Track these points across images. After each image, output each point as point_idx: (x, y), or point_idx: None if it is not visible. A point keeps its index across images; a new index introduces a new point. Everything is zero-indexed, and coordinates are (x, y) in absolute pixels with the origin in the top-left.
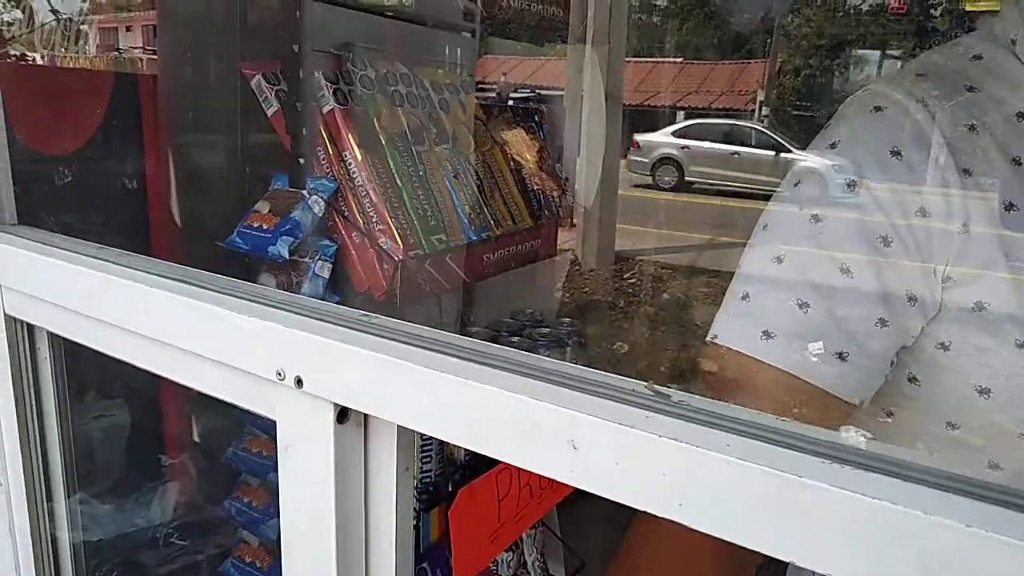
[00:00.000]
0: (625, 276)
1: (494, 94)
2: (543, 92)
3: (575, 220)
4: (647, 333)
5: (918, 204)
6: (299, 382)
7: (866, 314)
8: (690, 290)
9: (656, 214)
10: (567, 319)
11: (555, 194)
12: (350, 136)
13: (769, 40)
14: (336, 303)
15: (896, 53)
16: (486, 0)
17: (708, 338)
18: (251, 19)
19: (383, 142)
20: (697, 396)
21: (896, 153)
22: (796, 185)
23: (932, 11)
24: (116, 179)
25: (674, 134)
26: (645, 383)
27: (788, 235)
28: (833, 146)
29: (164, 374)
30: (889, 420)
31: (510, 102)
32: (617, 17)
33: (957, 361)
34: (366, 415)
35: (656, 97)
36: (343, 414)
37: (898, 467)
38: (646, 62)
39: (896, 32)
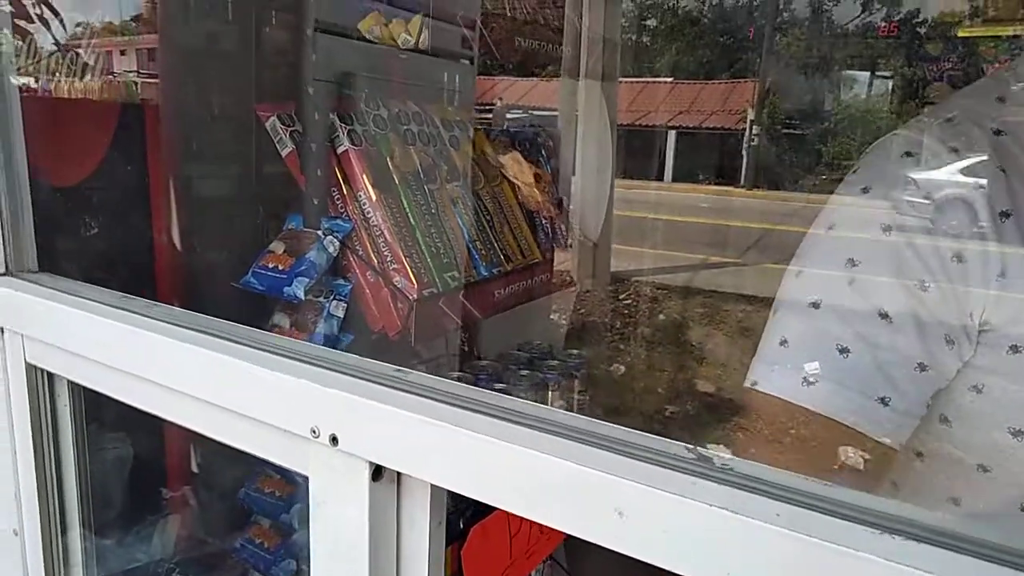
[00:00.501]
0: (621, 297)
1: (490, 115)
2: (536, 112)
3: (571, 241)
4: (644, 354)
5: (954, 250)
6: (334, 440)
7: (906, 359)
8: (687, 310)
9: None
10: (575, 351)
11: (554, 219)
12: (364, 176)
13: (759, 60)
14: (350, 342)
15: (887, 74)
16: (489, 31)
17: (747, 384)
18: (265, 53)
19: (396, 181)
20: (739, 459)
21: (930, 199)
22: (830, 228)
23: (923, 34)
24: (123, 217)
25: None
26: (687, 446)
27: (824, 280)
28: (865, 190)
29: (193, 427)
30: (919, 461)
31: (506, 125)
32: (611, 49)
33: (991, 404)
34: (400, 472)
35: (647, 117)
36: (378, 472)
37: (950, 538)
38: (636, 82)
39: (885, 54)
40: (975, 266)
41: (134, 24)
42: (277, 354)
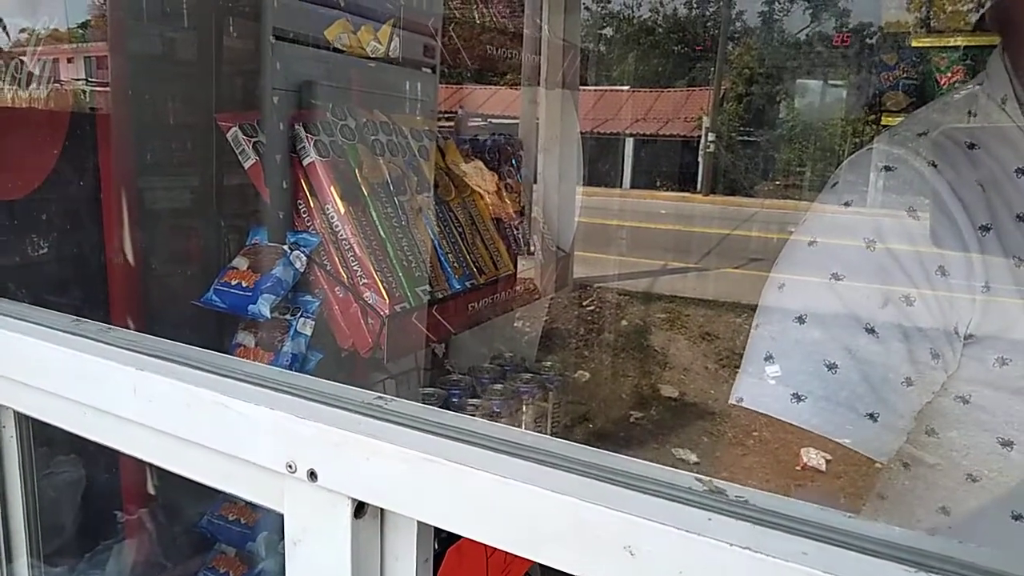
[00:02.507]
0: (584, 304)
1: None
2: (496, 120)
3: (533, 249)
4: (608, 360)
5: (937, 263)
6: (312, 475)
7: (893, 374)
8: (648, 315)
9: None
10: (548, 363)
11: (516, 227)
12: (332, 188)
13: (713, 68)
14: (319, 361)
15: (839, 83)
16: (451, 39)
17: (732, 401)
18: (225, 62)
19: (365, 193)
20: (754, 490)
21: (912, 212)
22: (812, 241)
23: (875, 44)
24: (74, 234)
25: None
26: (698, 477)
27: (809, 293)
28: (847, 204)
29: (155, 462)
30: (906, 472)
31: (473, 134)
32: (572, 57)
33: (979, 413)
34: (383, 509)
35: (605, 124)
36: (360, 508)
37: (982, 573)
38: (595, 91)
39: (838, 63)
40: (959, 279)
41: (82, 31)
42: (249, 382)
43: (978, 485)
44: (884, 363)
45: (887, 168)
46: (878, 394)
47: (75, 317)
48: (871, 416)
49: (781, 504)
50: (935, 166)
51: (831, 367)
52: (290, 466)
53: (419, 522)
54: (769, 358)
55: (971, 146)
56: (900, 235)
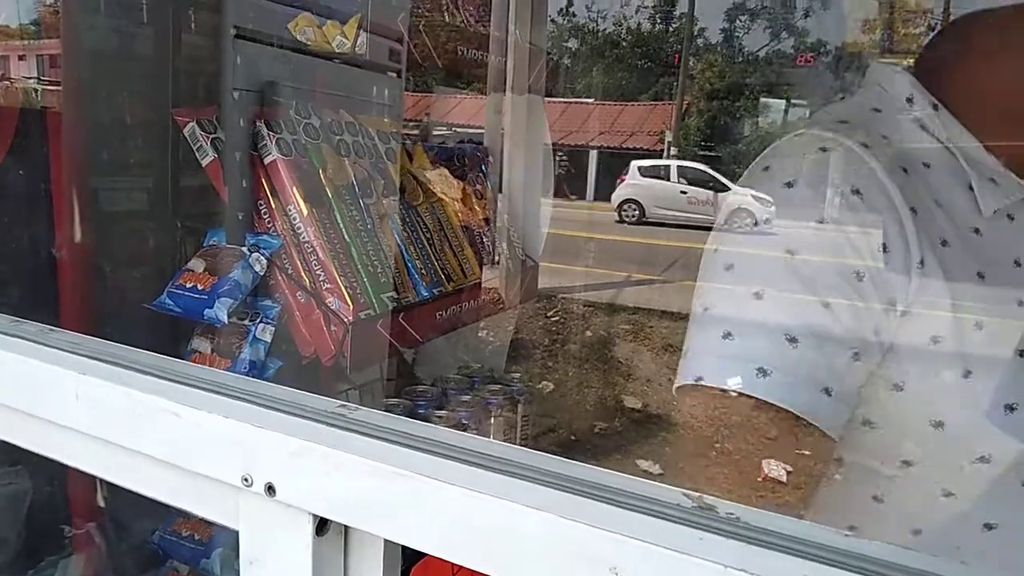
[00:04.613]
0: (549, 314)
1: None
2: (460, 129)
3: (497, 258)
4: (572, 371)
5: (879, 241)
6: (270, 489)
7: (845, 349)
8: (612, 327)
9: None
10: (517, 374)
11: (482, 235)
12: (295, 189)
13: (675, 83)
14: (278, 368)
15: (803, 102)
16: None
17: (689, 381)
18: (183, 59)
19: (330, 195)
20: (745, 507)
21: (856, 192)
22: (757, 224)
23: (838, 64)
24: (18, 231)
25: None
26: (686, 492)
27: (763, 272)
28: (789, 184)
29: (99, 474)
30: (839, 468)
31: (446, 143)
32: (538, 66)
33: (913, 399)
34: (347, 526)
35: (569, 136)
36: (322, 525)
37: None
38: (559, 102)
39: (802, 82)
40: (898, 255)
41: (34, 28)
42: (201, 388)
43: (908, 470)
44: (838, 337)
45: (823, 149)
46: (832, 368)
47: (14, 318)
48: (826, 391)
49: (773, 521)
50: (866, 147)
51: (792, 341)
52: (246, 479)
53: (386, 540)
54: (728, 335)
55: (884, 136)
56: (847, 214)
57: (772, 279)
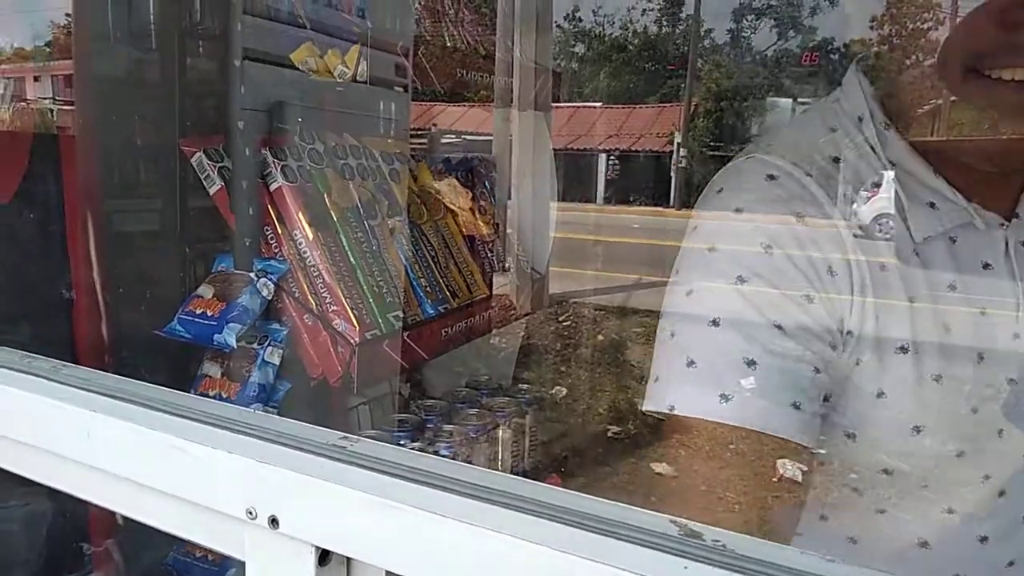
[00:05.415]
0: (561, 319)
1: (424, 141)
2: (469, 138)
3: (508, 265)
4: (585, 375)
5: (827, 265)
6: (274, 522)
7: (804, 366)
8: (624, 330)
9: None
10: (526, 385)
11: (492, 244)
12: (300, 214)
13: (683, 85)
14: (287, 391)
15: (808, 101)
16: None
17: (664, 408)
18: (190, 87)
19: (335, 218)
20: (731, 534)
21: (800, 217)
22: (711, 251)
23: (842, 65)
24: (32, 258)
25: None
26: (671, 519)
27: (718, 297)
28: (739, 211)
29: (110, 507)
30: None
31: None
32: (544, 78)
33: (894, 407)
34: (349, 558)
35: (578, 141)
36: (324, 557)
37: None
38: (567, 107)
39: (808, 81)
40: (844, 278)
41: (48, 50)
42: (206, 423)
43: (889, 479)
44: (796, 356)
45: (770, 176)
46: (796, 385)
47: (25, 354)
48: (795, 405)
49: (759, 549)
50: (811, 176)
51: (751, 364)
52: (250, 512)
53: (387, 572)
54: (691, 363)
55: (835, 159)
56: (792, 240)
57: (726, 306)
